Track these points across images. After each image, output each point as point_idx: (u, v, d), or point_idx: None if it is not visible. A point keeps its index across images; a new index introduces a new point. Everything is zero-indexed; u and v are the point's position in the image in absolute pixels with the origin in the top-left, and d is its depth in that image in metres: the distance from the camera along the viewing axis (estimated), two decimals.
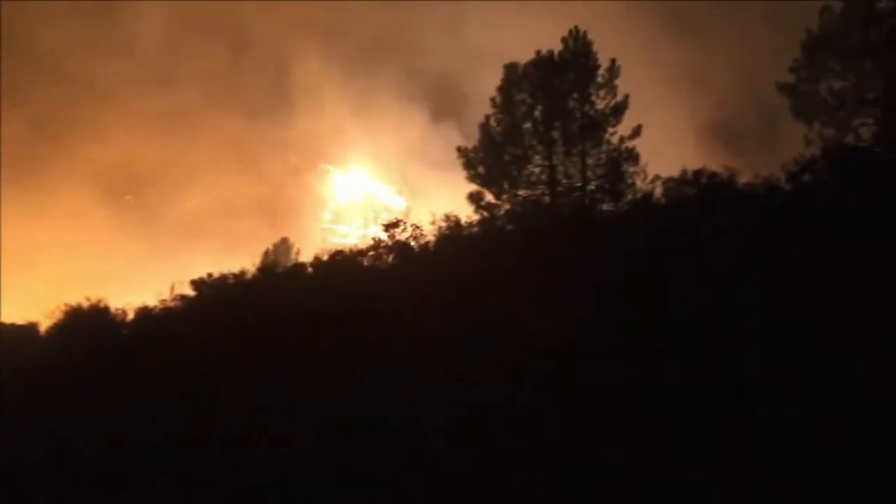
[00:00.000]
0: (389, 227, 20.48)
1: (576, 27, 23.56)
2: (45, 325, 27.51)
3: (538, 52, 23.51)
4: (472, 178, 23.94)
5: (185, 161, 62.15)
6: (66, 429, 16.67)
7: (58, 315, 26.14)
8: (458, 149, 24.29)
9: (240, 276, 23.18)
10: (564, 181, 23.38)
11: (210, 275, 23.83)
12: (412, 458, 11.33)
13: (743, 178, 15.22)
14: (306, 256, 27.29)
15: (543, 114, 23.35)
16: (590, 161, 23.14)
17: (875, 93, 19.38)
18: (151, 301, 24.67)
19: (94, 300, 25.63)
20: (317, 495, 11.76)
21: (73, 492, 13.81)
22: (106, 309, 25.38)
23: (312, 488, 11.89)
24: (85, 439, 15.89)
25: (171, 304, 24.10)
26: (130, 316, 24.88)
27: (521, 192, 23.51)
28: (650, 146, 23.12)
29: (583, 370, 11.42)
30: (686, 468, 8.88)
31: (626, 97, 23.34)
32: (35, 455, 15.62)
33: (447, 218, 20.17)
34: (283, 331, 16.61)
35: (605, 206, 21.09)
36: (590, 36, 23.33)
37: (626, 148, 22.78)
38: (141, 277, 38.59)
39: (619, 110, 23.15)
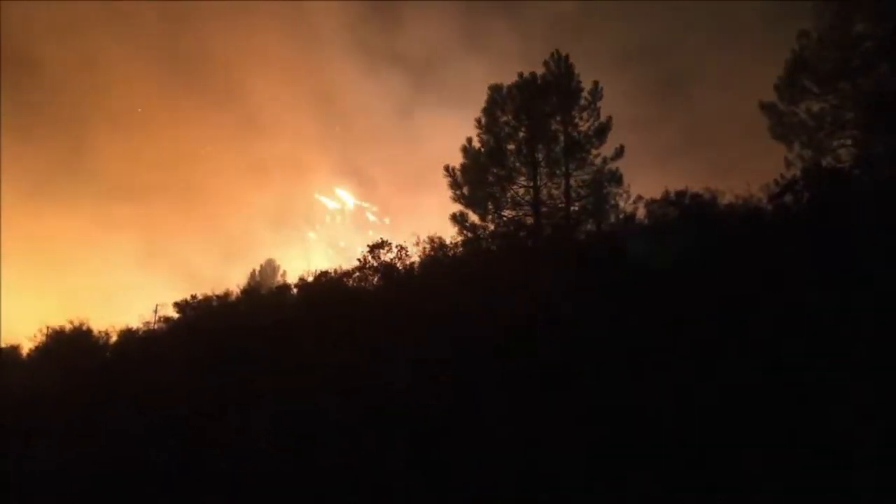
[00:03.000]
0: (375, 247, 20.52)
1: (557, 51, 23.83)
2: (26, 347, 27.34)
3: (521, 75, 23.72)
4: (457, 198, 23.91)
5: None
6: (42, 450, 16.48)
7: (39, 338, 25.99)
8: (446, 168, 24.31)
9: (223, 298, 23.11)
10: (548, 202, 23.44)
11: (194, 296, 23.77)
12: (393, 476, 11.30)
13: (725, 199, 15.45)
14: (292, 277, 27.32)
15: (527, 135, 23.47)
16: (573, 182, 23.29)
17: (853, 114, 19.59)
18: (135, 323, 24.63)
19: (76, 322, 25.50)
20: None
21: None
22: (88, 331, 25.22)
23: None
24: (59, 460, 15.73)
25: (155, 325, 24.02)
26: (114, 338, 24.76)
27: (506, 213, 23.52)
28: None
29: (567, 388, 11.46)
30: None
31: (609, 119, 23.49)
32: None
33: (431, 239, 20.25)
34: (267, 352, 16.52)
35: (589, 227, 21.16)
36: None
37: (610, 169, 22.94)
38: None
39: (601, 132, 23.33)
